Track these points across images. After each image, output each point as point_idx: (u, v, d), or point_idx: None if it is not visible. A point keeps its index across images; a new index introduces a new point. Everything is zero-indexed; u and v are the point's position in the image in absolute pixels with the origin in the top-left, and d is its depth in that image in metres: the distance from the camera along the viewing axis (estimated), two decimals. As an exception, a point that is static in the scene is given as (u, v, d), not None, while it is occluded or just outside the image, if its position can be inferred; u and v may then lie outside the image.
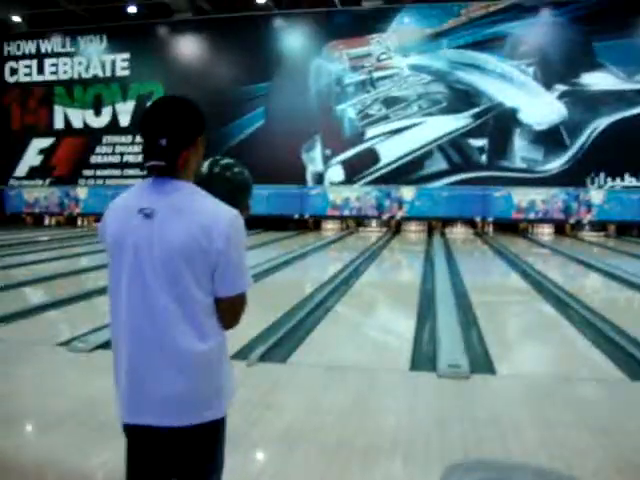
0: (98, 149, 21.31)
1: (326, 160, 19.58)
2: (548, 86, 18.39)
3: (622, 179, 18.23)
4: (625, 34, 17.94)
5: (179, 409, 1.88)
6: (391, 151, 19.22)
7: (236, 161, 2.31)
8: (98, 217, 21.43)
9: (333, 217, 19.89)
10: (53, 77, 21.82)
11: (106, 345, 5.63)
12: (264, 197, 19.00)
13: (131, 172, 20.92)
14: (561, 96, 18.30)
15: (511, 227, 19.23)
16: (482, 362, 5.44)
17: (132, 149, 20.97)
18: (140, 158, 20.57)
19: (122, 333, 1.88)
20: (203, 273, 1.84)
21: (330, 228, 20.14)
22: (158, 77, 20.64)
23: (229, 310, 1.93)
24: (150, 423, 1.89)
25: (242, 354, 5.33)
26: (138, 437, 1.93)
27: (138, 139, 20.73)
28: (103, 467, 3.35)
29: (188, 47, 20.68)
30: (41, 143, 21.78)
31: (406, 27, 19.15)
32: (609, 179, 18.30)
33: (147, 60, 20.82)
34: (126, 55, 21.08)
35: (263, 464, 3.42)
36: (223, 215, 1.85)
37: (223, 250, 1.83)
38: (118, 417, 1.96)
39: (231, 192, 2.13)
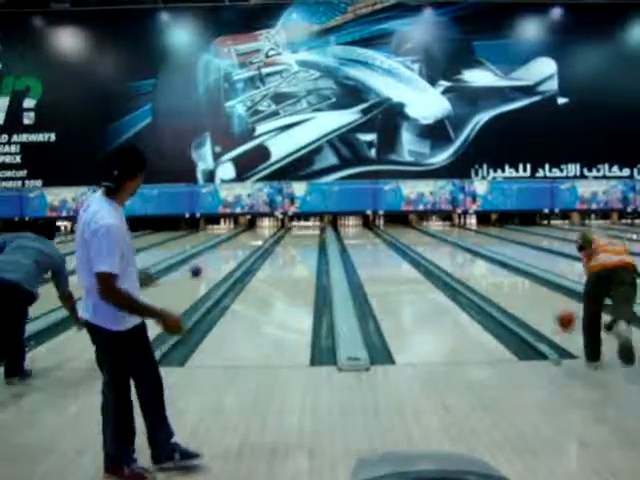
0: (-31, 149, 19.75)
1: (216, 157, 19.30)
2: (433, 82, 19.07)
3: (503, 170, 19.23)
4: (501, 35, 18.98)
5: None
6: (282, 147, 19.22)
7: None
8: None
9: (225, 215, 19.67)
10: None
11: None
12: (154, 196, 18.47)
13: (9, 174, 19.52)
14: (445, 92, 19.05)
15: (401, 219, 19.79)
16: (381, 353, 5.54)
17: (8, 149, 19.58)
18: (18, 159, 19.47)
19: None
20: None
21: (223, 226, 19.98)
22: (36, 72, 19.43)
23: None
24: None
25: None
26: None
27: (15, 139, 19.47)
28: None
29: (68, 40, 19.56)
30: None
31: (294, 23, 19.21)
32: (491, 170, 19.24)
33: (22, 53, 19.48)
34: (-5, 47, 19.57)
35: (169, 469, 3.30)
36: None
37: None
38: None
39: None
